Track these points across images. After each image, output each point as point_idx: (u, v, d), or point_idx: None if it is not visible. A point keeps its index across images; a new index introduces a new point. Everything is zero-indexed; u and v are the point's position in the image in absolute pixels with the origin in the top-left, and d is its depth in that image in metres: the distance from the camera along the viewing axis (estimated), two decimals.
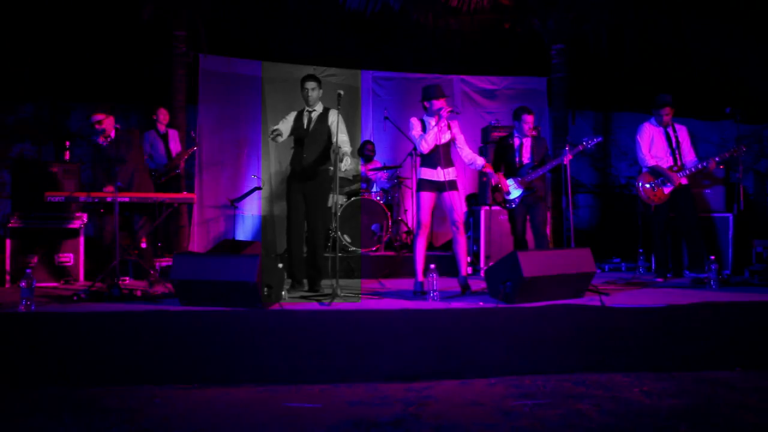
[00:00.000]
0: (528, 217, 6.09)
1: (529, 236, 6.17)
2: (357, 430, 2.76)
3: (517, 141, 6.10)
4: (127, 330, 4.08)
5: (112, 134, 5.60)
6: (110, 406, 3.16)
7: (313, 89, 5.55)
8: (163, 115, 7.61)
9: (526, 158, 6.06)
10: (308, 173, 5.53)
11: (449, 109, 5.28)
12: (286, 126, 5.57)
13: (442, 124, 5.30)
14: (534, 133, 6.12)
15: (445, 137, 5.36)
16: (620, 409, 3.03)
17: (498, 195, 6.09)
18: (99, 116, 5.51)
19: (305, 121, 5.59)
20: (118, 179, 5.31)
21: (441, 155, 5.32)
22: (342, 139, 5.46)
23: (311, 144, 5.55)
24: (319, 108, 5.63)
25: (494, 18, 9.14)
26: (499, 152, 6.21)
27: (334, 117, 5.54)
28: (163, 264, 6.49)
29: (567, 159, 5.78)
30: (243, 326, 4.15)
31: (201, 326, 4.13)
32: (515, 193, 6.01)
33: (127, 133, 5.73)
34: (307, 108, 5.62)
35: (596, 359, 4.04)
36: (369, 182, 8.18)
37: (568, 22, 8.97)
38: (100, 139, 5.57)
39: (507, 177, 6.05)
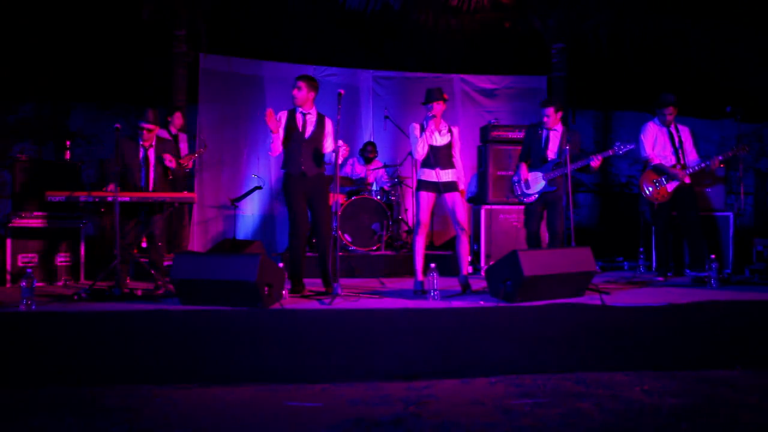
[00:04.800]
0: (545, 214, 5.94)
1: (543, 234, 6.03)
2: (358, 428, 2.76)
3: (543, 132, 5.91)
4: (128, 329, 4.08)
5: (154, 141, 5.69)
6: (111, 406, 3.15)
7: (299, 89, 5.46)
8: (177, 119, 7.65)
9: (552, 153, 5.86)
10: (308, 177, 5.49)
11: (433, 114, 5.34)
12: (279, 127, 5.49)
13: (431, 129, 5.35)
14: (557, 126, 5.91)
15: (442, 140, 5.40)
16: (621, 408, 3.02)
17: (517, 187, 5.97)
18: (150, 125, 5.59)
19: (300, 124, 5.51)
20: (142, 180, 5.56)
21: (437, 157, 5.35)
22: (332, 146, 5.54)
23: (309, 149, 5.49)
24: (313, 112, 5.58)
25: (495, 17, 9.14)
26: (527, 141, 6.04)
27: (330, 127, 5.58)
28: (165, 264, 6.49)
29: (596, 162, 5.64)
30: (243, 325, 4.16)
31: (201, 326, 4.14)
32: (536, 187, 5.84)
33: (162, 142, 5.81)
34: (299, 109, 5.54)
35: (597, 358, 4.05)
36: (369, 183, 8.17)
37: (568, 21, 8.97)
38: (146, 144, 5.64)
39: (531, 169, 5.92)
